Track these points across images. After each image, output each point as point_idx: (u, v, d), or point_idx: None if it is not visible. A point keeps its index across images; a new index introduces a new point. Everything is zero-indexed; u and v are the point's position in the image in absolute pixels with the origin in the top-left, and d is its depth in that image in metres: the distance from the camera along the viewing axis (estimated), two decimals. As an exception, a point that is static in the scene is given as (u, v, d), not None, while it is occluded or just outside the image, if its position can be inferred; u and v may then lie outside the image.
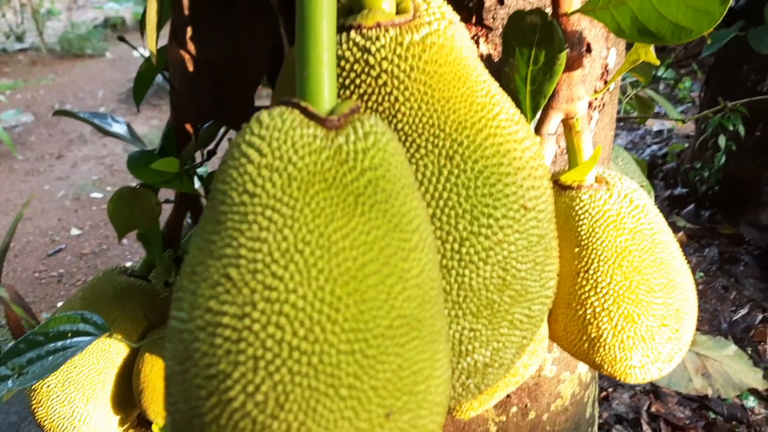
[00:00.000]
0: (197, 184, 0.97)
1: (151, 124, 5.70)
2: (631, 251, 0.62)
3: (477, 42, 0.68)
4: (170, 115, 0.91)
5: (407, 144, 0.36)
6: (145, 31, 0.74)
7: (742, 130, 3.27)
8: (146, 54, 0.93)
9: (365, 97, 0.36)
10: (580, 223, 0.63)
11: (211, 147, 0.94)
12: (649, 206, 0.66)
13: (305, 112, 0.28)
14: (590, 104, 0.75)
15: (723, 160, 3.27)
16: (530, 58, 0.57)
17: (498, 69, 0.69)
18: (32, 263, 3.79)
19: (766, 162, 3.34)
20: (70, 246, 3.96)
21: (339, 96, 0.37)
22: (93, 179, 4.83)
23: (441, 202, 0.36)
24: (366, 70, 0.36)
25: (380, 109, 0.36)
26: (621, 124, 4.42)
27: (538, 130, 0.62)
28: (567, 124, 0.63)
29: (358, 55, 0.36)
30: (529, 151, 0.40)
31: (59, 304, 3.42)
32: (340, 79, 0.36)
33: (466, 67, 0.39)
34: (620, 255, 0.62)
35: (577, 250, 0.62)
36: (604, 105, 0.79)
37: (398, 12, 0.39)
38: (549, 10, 0.68)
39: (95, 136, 5.61)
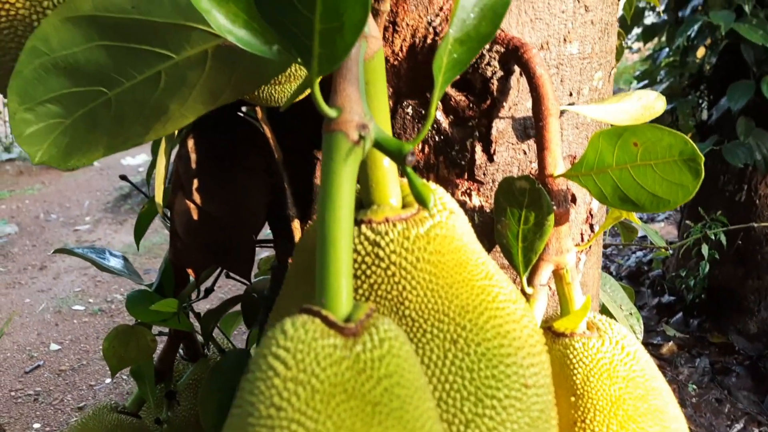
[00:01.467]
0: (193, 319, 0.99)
1: (138, 234, 5.71)
2: (626, 400, 0.63)
3: (470, 195, 0.72)
4: (170, 254, 0.93)
5: (414, 329, 0.38)
6: (152, 181, 0.78)
7: (723, 238, 3.35)
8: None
9: (375, 287, 0.39)
10: (575, 371, 0.64)
11: (208, 285, 0.96)
12: (640, 352, 0.67)
13: (326, 321, 0.30)
14: (577, 245, 0.79)
15: (707, 268, 3.33)
16: (521, 218, 0.61)
17: (490, 219, 0.73)
18: (8, 381, 3.67)
19: (748, 270, 3.41)
20: (49, 362, 3.86)
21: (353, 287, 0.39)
22: (75, 291, 4.77)
23: (447, 386, 0.37)
24: (376, 262, 0.39)
25: (389, 297, 0.39)
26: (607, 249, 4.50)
27: (530, 281, 0.65)
28: (557, 274, 0.66)
29: (369, 248, 0.39)
30: (527, 329, 0.42)
31: (35, 426, 3.29)
32: (352, 271, 0.39)
33: (467, 252, 0.42)
34: (615, 404, 0.63)
35: (573, 399, 0.64)
36: (590, 246, 0.83)
37: (404, 205, 0.43)
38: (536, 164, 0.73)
39: (79, 246, 5.59)
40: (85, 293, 4.73)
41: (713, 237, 3.36)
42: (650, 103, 0.70)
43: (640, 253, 4.49)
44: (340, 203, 0.32)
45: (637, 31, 4.33)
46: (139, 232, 1.01)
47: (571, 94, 0.76)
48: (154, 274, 4.62)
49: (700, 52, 3.90)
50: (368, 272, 0.39)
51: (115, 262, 1.07)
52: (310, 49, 0.31)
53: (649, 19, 4.50)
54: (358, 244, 0.40)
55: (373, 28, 0.37)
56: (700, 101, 4.10)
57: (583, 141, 0.78)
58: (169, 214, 0.90)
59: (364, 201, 0.42)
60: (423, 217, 0.41)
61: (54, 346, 4.03)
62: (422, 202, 0.34)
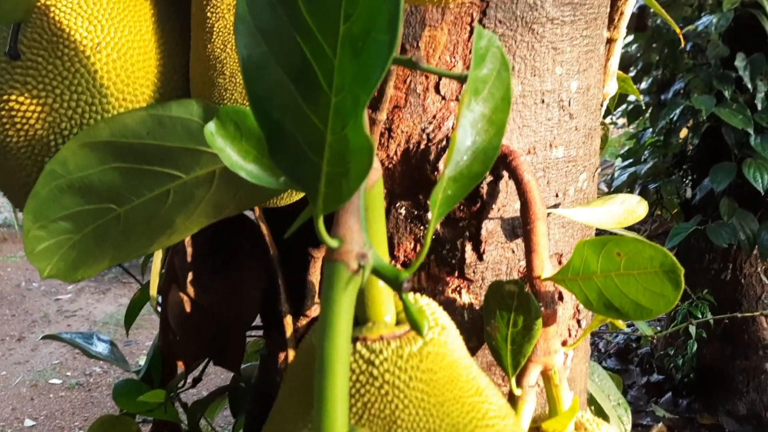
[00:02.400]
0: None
1: (120, 302, 5.63)
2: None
3: (459, 293, 0.74)
4: (159, 342, 0.94)
5: (407, 448, 0.39)
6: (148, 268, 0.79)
7: (710, 317, 3.37)
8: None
9: (369, 405, 0.40)
10: (564, 474, 0.65)
11: (196, 374, 0.96)
12: (628, 453, 0.68)
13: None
14: (565, 343, 0.80)
15: (695, 347, 3.33)
16: (509, 321, 0.62)
17: (479, 316, 0.75)
18: (-20, 458, 3.54)
19: (736, 350, 3.41)
20: (23, 439, 3.74)
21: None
22: (53, 363, 4.66)
23: (439, 506, 0.38)
24: (370, 380, 0.41)
25: (382, 415, 0.40)
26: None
27: (519, 382, 0.66)
28: (545, 375, 0.67)
29: (363, 366, 0.41)
30: (517, 444, 0.43)
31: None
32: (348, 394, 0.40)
33: (458, 368, 0.43)
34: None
35: (563, 503, 0.64)
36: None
37: (398, 321, 0.45)
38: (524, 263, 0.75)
39: (60, 315, 5.50)
40: (63, 366, 4.62)
41: (700, 315, 3.38)
42: (632, 207, 0.74)
43: (628, 329, 4.48)
44: (339, 332, 0.34)
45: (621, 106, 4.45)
46: (130, 319, 1.02)
47: (557, 195, 0.79)
48: (136, 347, 4.54)
49: (683, 132, 4.03)
50: (362, 390, 0.40)
51: (102, 348, 1.07)
52: (316, 188, 0.33)
53: (633, 97, 4.66)
54: (353, 363, 0.41)
55: (374, 160, 0.40)
56: (684, 179, 4.20)
57: (569, 240, 0.80)
58: (160, 301, 0.91)
59: (360, 317, 0.44)
60: (416, 334, 0.43)
61: (28, 422, 3.90)
62: (417, 328, 0.36)
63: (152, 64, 0.54)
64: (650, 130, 4.31)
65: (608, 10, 0.86)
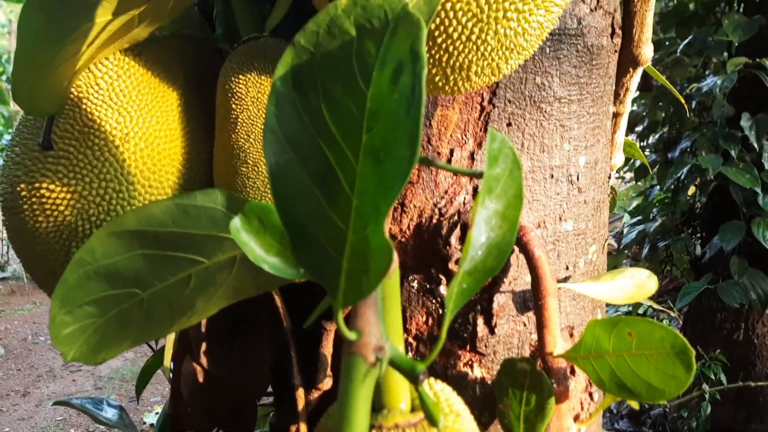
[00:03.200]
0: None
1: (125, 357, 5.59)
2: None
3: (471, 366, 0.74)
4: (170, 411, 0.94)
5: None
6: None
7: (723, 378, 3.31)
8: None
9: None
10: None
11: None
12: None
13: None
14: (578, 416, 0.80)
15: (708, 410, 3.26)
16: (522, 399, 0.63)
17: (491, 391, 0.75)
18: None
19: (751, 413, 3.34)
20: (24, 499, 3.66)
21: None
22: (57, 419, 4.60)
23: None
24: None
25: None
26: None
27: (533, 461, 0.66)
28: (559, 452, 0.67)
29: (380, 455, 0.42)
30: None
31: None
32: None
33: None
34: None
35: None
36: (591, 414, 0.84)
37: (413, 409, 0.45)
38: (535, 335, 0.76)
39: (65, 371, 5.46)
40: (67, 422, 4.56)
41: (713, 376, 3.32)
42: (642, 281, 0.74)
43: (640, 390, 4.40)
44: (357, 424, 0.35)
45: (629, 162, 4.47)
46: (142, 384, 1.02)
47: (567, 268, 0.80)
48: (141, 402, 4.48)
49: (691, 190, 4.04)
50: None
51: (111, 414, 1.07)
52: (337, 285, 0.35)
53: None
54: (370, 451, 0.41)
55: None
56: (693, 235, 4.20)
57: (580, 312, 0.81)
58: (172, 369, 0.91)
59: (376, 404, 0.44)
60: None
61: (32, 479, 3.84)
62: (432, 420, 0.36)
63: (178, 151, 0.56)
64: (658, 187, 4.33)
65: (614, 86, 0.89)
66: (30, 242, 0.54)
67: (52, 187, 0.52)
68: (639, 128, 4.46)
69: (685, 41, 3.77)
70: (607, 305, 0.87)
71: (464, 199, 0.74)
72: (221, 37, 0.62)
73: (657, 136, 4.40)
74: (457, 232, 0.72)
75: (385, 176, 0.31)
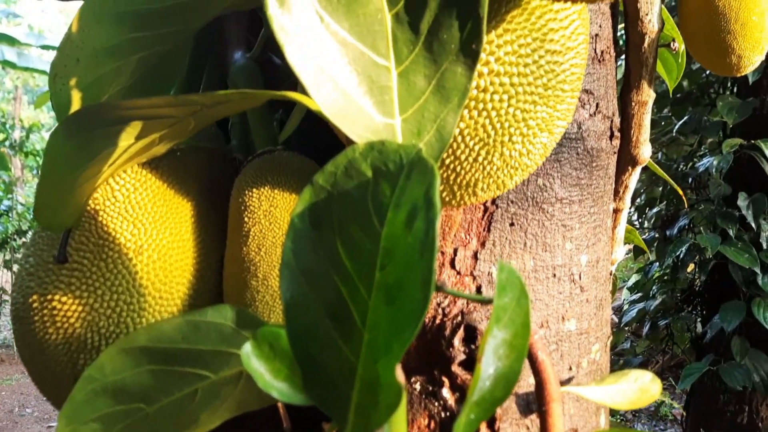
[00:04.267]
0: None
1: (120, 430, 5.44)
2: None
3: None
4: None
5: None
6: None
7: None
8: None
9: None
10: None
11: None
12: None
13: None
14: None
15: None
16: None
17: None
18: None
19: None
20: None
21: None
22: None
23: None
24: None
25: None
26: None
27: None
28: None
29: None
30: None
31: None
32: None
33: None
34: None
35: None
36: None
37: None
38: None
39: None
40: (54, 496, 4.40)
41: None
42: (646, 385, 0.74)
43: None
44: None
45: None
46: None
47: (570, 368, 0.79)
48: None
49: (690, 267, 4.04)
50: None
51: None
52: (345, 417, 0.35)
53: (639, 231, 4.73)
54: None
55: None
56: (693, 312, 4.17)
57: (584, 414, 0.80)
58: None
59: None
60: None
61: None
62: None
63: (189, 262, 0.57)
64: (657, 263, 4.33)
65: (614, 185, 0.91)
66: (38, 353, 0.54)
67: (64, 299, 0.53)
68: (638, 202, 4.50)
69: (681, 121, 3.85)
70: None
71: (467, 300, 0.74)
72: (236, 148, 0.64)
73: (654, 211, 4.43)
74: (460, 333, 0.72)
75: (398, 315, 0.32)
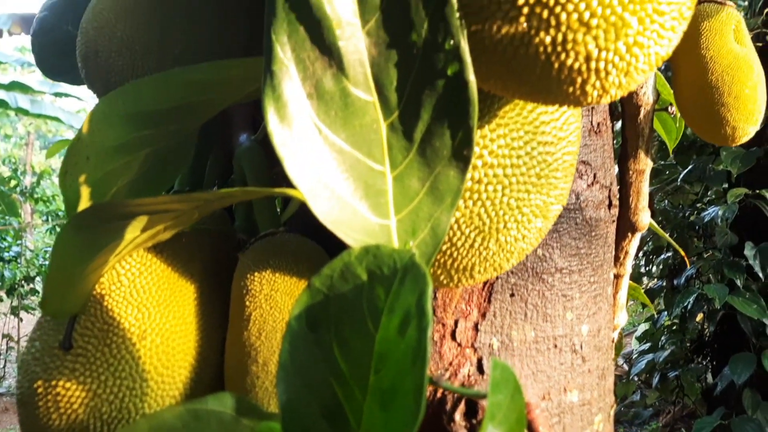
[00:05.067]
0: None
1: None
2: None
3: None
4: None
5: None
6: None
7: None
8: None
9: None
10: None
11: None
12: None
13: None
14: None
15: None
16: None
17: None
18: None
19: None
20: None
21: None
22: None
23: None
24: None
25: None
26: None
27: None
28: None
29: None
30: None
31: None
32: None
33: None
34: None
35: None
36: None
37: None
38: None
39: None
40: None
41: None
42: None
43: None
44: None
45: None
46: None
47: (573, 440, 0.79)
48: None
49: (699, 316, 4.00)
50: None
51: None
52: None
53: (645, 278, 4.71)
54: None
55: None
56: (702, 362, 4.11)
57: (588, 487, 0.79)
58: None
59: None
60: None
61: None
62: None
63: (191, 345, 0.58)
64: (665, 312, 4.29)
65: (613, 252, 0.92)
66: (40, 440, 0.54)
67: (68, 385, 0.54)
68: (645, 247, 4.48)
69: (686, 170, 3.86)
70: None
71: (468, 371, 0.75)
72: (239, 229, 0.66)
73: (661, 258, 4.40)
74: (461, 407, 0.72)
75: (392, 422, 0.33)
